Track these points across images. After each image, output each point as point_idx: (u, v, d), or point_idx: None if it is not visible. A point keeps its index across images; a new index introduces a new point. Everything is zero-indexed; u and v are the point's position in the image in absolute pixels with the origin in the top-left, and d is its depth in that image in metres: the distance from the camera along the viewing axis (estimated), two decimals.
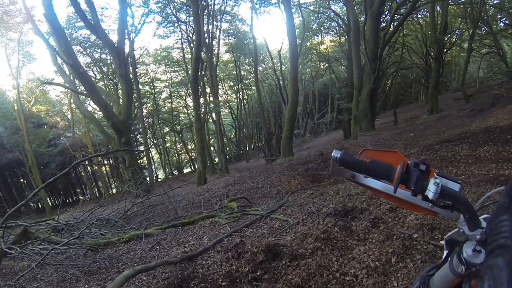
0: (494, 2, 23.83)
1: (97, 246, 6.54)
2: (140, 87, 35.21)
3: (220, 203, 9.30)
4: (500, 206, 0.63)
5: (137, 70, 31.53)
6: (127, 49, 20.83)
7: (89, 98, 20.59)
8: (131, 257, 5.81)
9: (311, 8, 31.49)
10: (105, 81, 33.32)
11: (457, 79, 34.74)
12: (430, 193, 0.84)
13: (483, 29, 25.02)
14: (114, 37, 20.20)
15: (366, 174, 1.00)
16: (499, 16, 24.31)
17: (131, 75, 24.07)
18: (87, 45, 29.36)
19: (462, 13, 25.27)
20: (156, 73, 40.27)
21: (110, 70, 31.45)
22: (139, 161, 29.03)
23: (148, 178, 27.50)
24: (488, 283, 0.48)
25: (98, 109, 21.20)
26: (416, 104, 37.72)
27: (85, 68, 26.73)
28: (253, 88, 40.47)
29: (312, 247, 4.32)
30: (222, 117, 40.27)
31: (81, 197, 37.96)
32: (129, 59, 22.00)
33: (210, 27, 27.25)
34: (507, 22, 23.98)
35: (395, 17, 22.66)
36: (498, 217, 0.59)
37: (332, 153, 1.01)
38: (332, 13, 30.53)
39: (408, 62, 33.31)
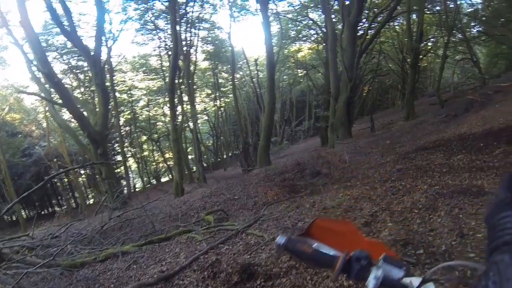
0: (468, 10, 24.51)
1: (73, 266, 6.41)
2: (118, 95, 34.48)
3: (197, 216, 9.26)
4: (500, 202, 0.63)
5: (114, 77, 30.97)
6: (104, 56, 20.43)
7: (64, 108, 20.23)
8: (108, 278, 5.74)
9: (290, 16, 31.70)
10: (82, 89, 32.80)
11: (433, 85, 35.39)
12: (369, 285, 0.85)
13: (457, 36, 25.62)
14: (91, 44, 19.87)
15: (308, 263, 1.02)
16: (473, 24, 24.98)
17: (108, 83, 23.76)
18: (63, 51, 28.73)
19: (437, 22, 25.90)
20: (133, 81, 39.79)
21: (87, 77, 30.81)
22: (116, 171, 28.66)
23: (125, 189, 27.11)
24: (493, 279, 0.48)
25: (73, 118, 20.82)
26: (393, 109, 38.19)
27: (61, 75, 26.36)
28: (230, 95, 40.36)
29: (287, 266, 4.32)
30: (199, 125, 40.19)
31: (57, 209, 36.98)
32: (106, 66, 21.70)
33: (188, 34, 27.18)
34: (480, 29, 24.63)
35: (372, 25, 23.06)
36: (500, 213, 0.60)
37: (277, 239, 1.02)
38: (310, 22, 30.78)
39: (385, 68, 33.88)
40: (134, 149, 42.90)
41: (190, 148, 38.17)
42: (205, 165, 35.24)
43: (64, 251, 7.21)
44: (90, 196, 39.01)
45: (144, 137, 43.83)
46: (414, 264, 3.73)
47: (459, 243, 3.90)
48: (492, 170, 6.25)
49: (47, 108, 25.08)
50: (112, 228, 9.27)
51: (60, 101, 16.25)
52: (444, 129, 13.55)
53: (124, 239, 8.08)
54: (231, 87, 34.17)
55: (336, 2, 22.83)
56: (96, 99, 22.16)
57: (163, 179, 43.77)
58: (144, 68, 38.20)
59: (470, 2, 25.63)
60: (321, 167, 11.80)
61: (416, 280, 0.85)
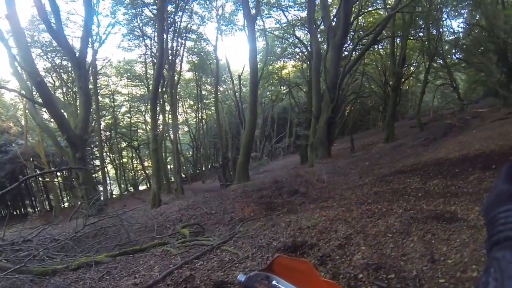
0: (450, 38, 25.22)
1: (45, 273, 6.26)
2: (100, 98, 34.38)
3: (173, 228, 9.19)
4: (499, 194, 0.61)
5: (98, 81, 30.84)
6: (89, 58, 20.19)
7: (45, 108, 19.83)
8: None
9: (276, 33, 32.01)
10: (64, 89, 32.31)
11: (413, 108, 36.07)
12: None
13: (438, 62, 26.29)
14: (77, 44, 19.59)
15: None
16: (454, 51, 25.63)
17: (91, 86, 23.47)
18: (48, 49, 28.38)
19: (420, 47, 26.54)
20: (117, 86, 39.63)
21: (70, 78, 30.32)
22: (94, 175, 28.19)
23: (102, 195, 26.64)
24: (494, 276, 0.48)
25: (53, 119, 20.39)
26: (373, 130, 38.67)
27: (44, 73, 25.90)
28: (212, 108, 40.34)
29: None
30: (180, 135, 39.96)
31: (30, 210, 36.13)
32: (90, 68, 21.48)
33: (174, 44, 27.22)
34: (460, 57, 25.32)
35: (357, 47, 23.47)
36: (500, 206, 0.58)
37: (238, 277, 1.12)
38: (296, 40, 31.12)
39: (368, 90, 34.37)
40: (113, 155, 42.30)
41: (170, 158, 37.94)
42: (183, 176, 34.99)
43: (35, 257, 7.04)
44: (65, 200, 38.21)
45: (124, 144, 43.34)
46: None
47: (430, 269, 3.96)
48: (466, 196, 6.37)
49: (27, 106, 24.57)
50: (86, 235, 9.05)
51: (41, 100, 15.87)
52: (422, 153, 13.76)
53: (98, 247, 7.93)
54: (213, 99, 34.23)
55: (322, 22, 23.14)
56: (78, 101, 21.86)
57: (141, 187, 43.18)
58: (128, 74, 38.17)
59: (452, 30, 26.55)
60: (299, 186, 11.86)
61: None
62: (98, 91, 31.54)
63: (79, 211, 10.75)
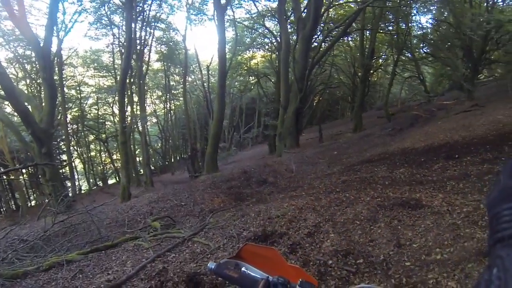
0: (418, 33, 25.77)
1: (15, 276, 6.09)
2: (66, 90, 33.10)
3: (144, 222, 9.10)
4: (504, 190, 0.61)
5: (63, 71, 29.68)
6: (54, 48, 19.28)
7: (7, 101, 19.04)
8: None
9: (246, 23, 31.86)
10: (28, 81, 30.97)
11: (381, 99, 36.71)
12: None
13: (406, 55, 26.85)
14: (41, 33, 18.83)
15: (236, 285, 1.14)
16: (422, 45, 26.20)
17: (56, 77, 22.65)
18: (11, 38, 26.73)
19: (389, 41, 27.05)
20: (83, 76, 38.16)
21: (34, 69, 28.94)
22: (61, 171, 27.50)
23: (70, 191, 26.01)
24: (497, 274, 0.47)
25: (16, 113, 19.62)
26: (342, 120, 39.10)
27: (5, 64, 24.87)
28: (181, 99, 39.92)
29: None
30: (149, 127, 39.40)
31: None
32: (55, 58, 20.75)
33: (143, 33, 26.69)
34: (427, 51, 25.92)
35: (327, 39, 23.66)
36: (505, 203, 0.58)
37: (208, 264, 1.18)
38: (266, 30, 31.08)
39: (336, 80, 34.78)
40: (81, 149, 41.22)
41: (138, 150, 37.41)
42: (152, 168, 34.61)
43: (4, 259, 6.84)
44: (32, 198, 37.06)
45: (92, 137, 42.27)
46: (354, 273, 3.89)
47: (396, 253, 4.12)
48: (430, 184, 6.57)
49: None
50: (55, 234, 8.79)
51: (3, 93, 15.23)
52: (389, 143, 14.10)
53: (68, 246, 7.73)
54: (182, 90, 33.89)
55: (292, 13, 23.19)
56: (43, 93, 21.15)
57: (110, 181, 42.43)
58: (95, 64, 36.91)
59: (420, 25, 27.04)
60: (268, 176, 11.96)
61: None
62: (64, 82, 30.28)
63: (47, 209, 10.50)
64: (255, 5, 28.45)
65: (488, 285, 0.47)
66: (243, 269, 1.14)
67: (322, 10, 20.76)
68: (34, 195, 36.17)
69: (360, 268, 3.97)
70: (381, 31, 25.84)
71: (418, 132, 13.98)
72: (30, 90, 29.30)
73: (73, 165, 35.45)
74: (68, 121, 33.96)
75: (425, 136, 12.40)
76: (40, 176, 18.52)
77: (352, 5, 25.58)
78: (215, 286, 4.21)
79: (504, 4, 19.47)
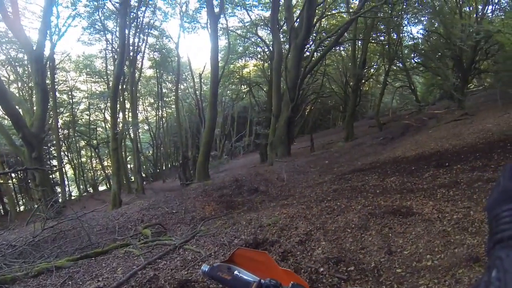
0: (409, 43, 26.09)
1: (3, 282, 6.00)
2: (58, 95, 32.86)
3: (135, 229, 9.03)
4: (504, 192, 0.60)
5: (55, 76, 29.34)
6: (47, 52, 19.07)
7: None
8: None
9: (239, 32, 32.01)
10: (19, 84, 30.82)
11: (373, 108, 36.98)
12: None
13: (397, 65, 27.14)
14: (34, 36, 18.66)
15: (228, 287, 1.16)
16: (413, 55, 26.48)
17: (48, 81, 22.45)
18: (3, 40, 26.69)
19: (380, 51, 27.38)
20: (76, 81, 38.05)
21: (26, 72, 28.88)
22: (51, 176, 27.21)
23: (60, 196, 25.75)
24: (497, 276, 0.47)
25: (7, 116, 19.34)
26: (333, 130, 39.22)
27: None
28: (173, 106, 39.87)
29: None
30: (140, 134, 39.28)
31: None
32: (48, 62, 20.60)
33: (136, 40, 26.65)
34: (418, 61, 26.22)
35: (319, 48, 23.84)
36: (505, 204, 0.57)
37: (202, 267, 1.20)
38: (258, 39, 31.25)
39: (328, 90, 35.02)
40: (72, 155, 40.85)
41: (130, 157, 37.22)
42: (144, 175, 34.44)
43: None
44: (21, 203, 36.56)
45: (83, 143, 42.00)
46: (345, 280, 3.90)
47: (387, 260, 4.14)
48: (421, 192, 6.61)
49: None
50: (45, 239, 8.68)
51: None
52: (380, 152, 14.20)
53: (58, 252, 7.63)
54: (174, 97, 33.87)
55: (285, 23, 23.36)
56: (34, 97, 20.96)
57: (101, 188, 42.03)
58: (88, 70, 36.85)
59: (411, 35, 27.35)
60: (259, 184, 11.96)
61: None
62: (56, 86, 30.14)
63: (36, 215, 10.39)
64: (248, 14, 28.69)
65: (487, 286, 0.47)
66: (235, 272, 1.16)
67: (315, 20, 20.95)
68: (23, 200, 35.58)
69: (351, 275, 3.98)
70: (373, 41, 26.22)
71: (409, 141, 14.11)
72: (21, 94, 29.11)
73: (64, 170, 34.97)
74: (59, 126, 33.71)
75: (416, 145, 12.52)
76: (29, 181, 18.31)
77: (344, 15, 25.93)
78: None
79: (493, 15, 19.80)
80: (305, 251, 4.94)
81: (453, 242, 4.13)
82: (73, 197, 35.71)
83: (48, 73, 22.41)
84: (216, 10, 18.72)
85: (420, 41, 26.10)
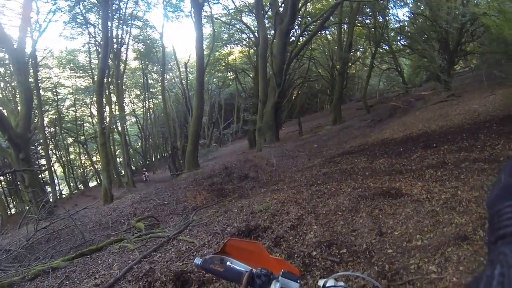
0: (395, 26, 26.08)
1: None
2: (42, 92, 32.45)
3: (128, 223, 9.04)
4: (506, 188, 0.61)
5: (38, 73, 28.79)
6: (28, 49, 18.70)
7: None
8: None
9: (223, 19, 31.78)
10: (1, 84, 30.18)
11: (360, 90, 37.07)
12: None
13: (384, 48, 27.18)
14: (14, 34, 18.26)
15: (222, 278, 1.25)
16: (399, 38, 26.50)
17: (31, 79, 22.10)
18: None
19: (367, 34, 27.38)
20: (60, 78, 37.58)
21: (8, 71, 28.27)
22: (40, 176, 26.97)
23: (51, 196, 25.56)
24: (500, 271, 0.47)
25: None
26: (321, 113, 39.33)
27: None
28: (159, 97, 39.75)
29: None
30: (128, 126, 39.03)
31: None
32: (30, 60, 20.28)
33: (119, 32, 26.34)
34: (405, 43, 26.27)
35: (304, 33, 23.76)
36: (507, 200, 0.57)
37: (195, 260, 1.23)
38: (243, 26, 31.05)
39: (315, 74, 35.00)
40: (60, 153, 40.52)
41: (118, 151, 37.04)
42: (133, 168, 34.31)
43: None
44: (11, 206, 36.20)
45: (70, 140, 41.64)
46: (338, 263, 3.96)
47: (378, 241, 4.18)
48: (410, 173, 6.65)
49: None
50: (39, 241, 8.61)
51: None
52: (368, 134, 14.28)
53: (53, 253, 7.57)
54: (160, 88, 33.67)
55: (270, 8, 23.21)
56: (18, 97, 20.66)
57: (91, 184, 41.86)
58: (71, 65, 36.38)
59: (397, 18, 27.32)
60: (249, 170, 12.00)
61: None
62: (40, 84, 29.63)
63: (28, 216, 10.35)
64: (232, 0, 28.47)
65: (490, 282, 0.47)
66: (228, 263, 1.19)
67: (300, 4, 20.83)
68: (14, 202, 35.33)
69: (343, 257, 4.02)
70: (359, 24, 26.17)
71: (396, 123, 14.20)
72: (4, 94, 28.68)
73: (53, 169, 34.72)
74: (45, 125, 33.34)
75: (403, 126, 12.60)
76: (19, 182, 18.11)
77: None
78: (203, 283, 4.23)
79: None
80: (297, 236, 4.97)
81: (441, 222, 4.20)
82: (64, 196, 35.47)
83: (31, 71, 22.07)
84: None
85: (406, 23, 26.12)
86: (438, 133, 9.68)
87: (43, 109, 31.12)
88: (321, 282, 1.06)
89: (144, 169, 27.43)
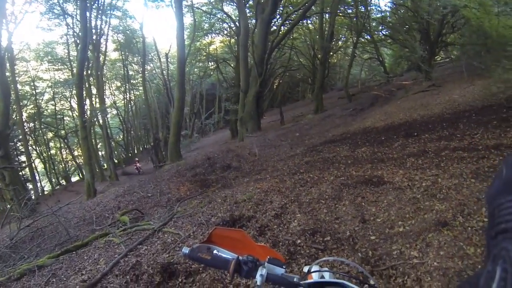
0: (377, 16, 26.24)
1: None
2: (19, 87, 31.58)
3: (113, 217, 8.98)
4: (507, 182, 0.60)
5: (15, 67, 28.10)
6: (4, 43, 18.18)
7: None
8: None
9: (204, 8, 31.50)
10: None
11: (342, 80, 37.26)
12: (257, 281, 1.09)
13: (365, 37, 27.33)
14: None
15: (210, 266, 1.27)
16: (381, 28, 26.65)
17: (8, 73, 21.61)
18: None
19: (348, 24, 27.53)
20: (37, 71, 36.69)
21: None
22: (21, 173, 26.53)
23: (33, 193, 25.15)
24: (503, 266, 0.47)
25: None
26: (303, 102, 39.47)
27: None
28: (140, 88, 39.41)
29: None
30: (109, 119, 38.58)
31: None
32: (6, 54, 19.79)
33: (98, 22, 25.81)
34: (386, 33, 26.44)
35: (286, 22, 23.73)
36: (509, 194, 0.57)
37: (182, 250, 1.26)
38: (224, 15, 30.85)
39: (296, 63, 35.05)
40: (40, 148, 39.69)
41: (100, 144, 36.60)
42: (116, 161, 33.99)
43: None
44: None
45: (51, 134, 40.82)
46: (323, 250, 4.03)
47: (361, 228, 4.29)
48: (391, 161, 6.77)
49: None
50: (22, 240, 8.52)
51: None
52: (350, 123, 14.40)
53: (37, 251, 7.49)
54: (141, 79, 33.32)
55: None
56: None
57: (73, 179, 41.27)
58: (49, 57, 35.57)
59: (379, 8, 27.51)
60: (232, 160, 12.03)
61: (298, 276, 1.11)
62: (17, 78, 29.00)
63: (10, 215, 10.21)
64: None
65: (492, 276, 0.47)
66: (214, 251, 1.22)
67: None
68: None
69: (328, 245, 4.11)
70: (341, 14, 26.20)
71: (378, 112, 14.34)
72: None
73: (33, 165, 34.12)
74: (24, 120, 32.45)
75: (385, 115, 12.73)
76: None
77: None
78: (189, 273, 4.26)
79: None
80: (281, 225, 5.04)
81: (422, 209, 4.31)
82: (46, 192, 34.87)
83: (8, 64, 21.53)
84: None
85: (388, 14, 26.31)
86: (419, 122, 9.80)
87: (21, 103, 30.43)
88: (305, 269, 1.10)
89: (137, 159, 27.03)
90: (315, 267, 1.13)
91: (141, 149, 45.33)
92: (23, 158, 33.73)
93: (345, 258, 3.69)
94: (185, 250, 1.25)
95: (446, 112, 10.15)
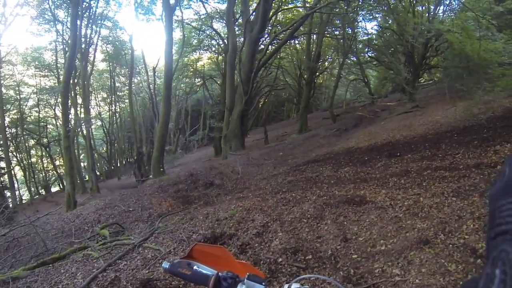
0: (363, 38, 26.76)
1: None
2: (4, 90, 30.96)
3: (92, 230, 8.81)
4: (509, 182, 0.58)
5: (1, 70, 28.20)
6: None
7: None
8: None
9: (194, 24, 31.69)
10: None
11: (327, 100, 37.61)
12: None
13: (351, 59, 27.78)
14: None
15: (189, 282, 1.31)
16: (367, 50, 27.12)
17: None
18: None
19: (335, 45, 27.99)
20: (24, 75, 36.15)
21: None
22: None
23: (10, 201, 24.61)
24: (502, 268, 0.45)
25: None
26: (287, 122, 39.62)
27: None
28: (126, 101, 39.12)
29: None
30: (93, 130, 38.16)
31: None
32: None
33: (88, 31, 25.73)
34: (372, 55, 26.93)
35: (273, 42, 24.01)
36: (510, 195, 0.55)
37: (163, 264, 1.27)
38: (213, 32, 31.07)
39: (282, 82, 35.35)
40: (21, 155, 38.93)
41: (83, 155, 36.12)
42: (98, 173, 33.53)
43: None
44: None
45: (33, 142, 40.13)
46: (304, 269, 4.01)
47: (343, 247, 4.30)
48: (374, 181, 6.83)
49: None
50: None
51: None
52: (334, 143, 14.53)
53: (12, 262, 7.32)
54: (127, 91, 33.17)
55: (240, 16, 23.34)
56: None
57: (54, 189, 40.47)
58: (36, 63, 35.13)
59: (365, 31, 28.19)
60: (214, 178, 11.97)
61: None
62: (2, 81, 28.60)
63: None
64: (204, 6, 28.35)
65: (491, 279, 0.46)
66: (194, 267, 1.21)
67: (271, 13, 21.03)
68: None
69: (309, 263, 4.10)
70: (328, 35, 26.63)
71: (362, 132, 14.52)
72: None
73: (13, 173, 33.41)
74: (6, 125, 31.97)
75: (369, 136, 12.90)
76: None
77: (301, 10, 26.12)
78: None
79: (444, 16, 20.72)
80: (263, 243, 5.02)
81: (404, 227, 4.34)
82: (24, 201, 34.03)
83: None
84: (172, 1, 18.50)
85: (374, 36, 26.87)
86: (402, 143, 9.95)
87: (4, 108, 29.89)
88: (285, 286, 1.10)
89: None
90: (295, 285, 1.13)
91: (124, 162, 44.81)
92: (2, 164, 32.96)
93: (326, 276, 3.67)
94: (165, 264, 1.25)
95: (429, 132, 10.37)
